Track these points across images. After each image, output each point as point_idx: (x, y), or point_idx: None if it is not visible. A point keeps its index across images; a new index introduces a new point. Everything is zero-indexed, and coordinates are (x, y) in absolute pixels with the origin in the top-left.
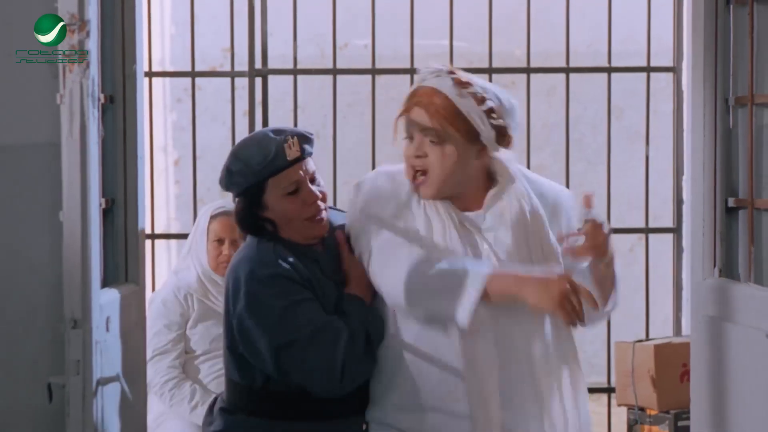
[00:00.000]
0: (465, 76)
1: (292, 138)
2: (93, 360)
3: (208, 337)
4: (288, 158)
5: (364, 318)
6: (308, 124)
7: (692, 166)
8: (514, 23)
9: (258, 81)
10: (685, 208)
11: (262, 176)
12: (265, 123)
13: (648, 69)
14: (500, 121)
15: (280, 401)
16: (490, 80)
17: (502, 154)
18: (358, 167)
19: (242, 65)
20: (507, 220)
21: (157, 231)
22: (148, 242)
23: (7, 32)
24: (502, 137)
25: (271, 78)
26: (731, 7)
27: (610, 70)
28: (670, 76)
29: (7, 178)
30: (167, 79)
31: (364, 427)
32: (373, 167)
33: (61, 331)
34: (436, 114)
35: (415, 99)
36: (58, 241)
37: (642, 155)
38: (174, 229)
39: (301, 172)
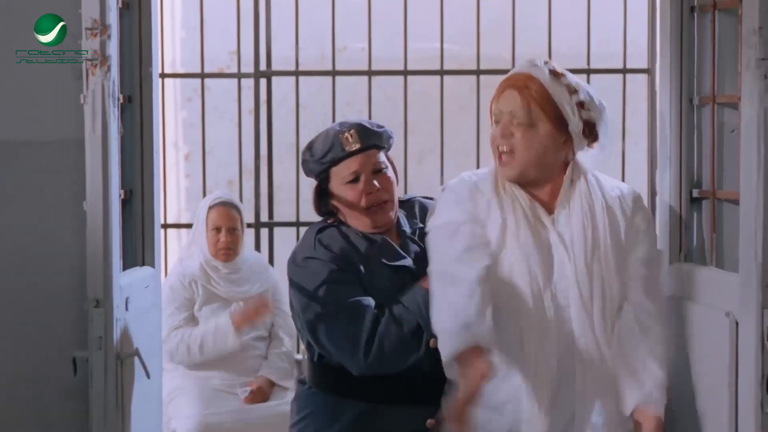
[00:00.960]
0: (561, 68)
1: (350, 131)
2: (113, 336)
3: (213, 319)
4: (345, 149)
5: (417, 308)
6: (309, 122)
7: (660, 161)
8: (502, 27)
9: (263, 82)
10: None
11: (324, 166)
12: (269, 121)
13: (624, 71)
14: (590, 115)
15: (333, 376)
16: (478, 82)
17: (585, 154)
18: None
19: (248, 67)
20: (580, 220)
21: (168, 221)
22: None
23: (31, 35)
24: (590, 132)
25: (274, 79)
26: (695, 14)
27: (589, 71)
28: (645, 77)
29: (35, 171)
30: (178, 80)
31: (433, 421)
32: None
33: (85, 309)
34: (529, 96)
35: (509, 82)
36: (81, 228)
37: (620, 151)
38: (184, 220)
39: (360, 163)
